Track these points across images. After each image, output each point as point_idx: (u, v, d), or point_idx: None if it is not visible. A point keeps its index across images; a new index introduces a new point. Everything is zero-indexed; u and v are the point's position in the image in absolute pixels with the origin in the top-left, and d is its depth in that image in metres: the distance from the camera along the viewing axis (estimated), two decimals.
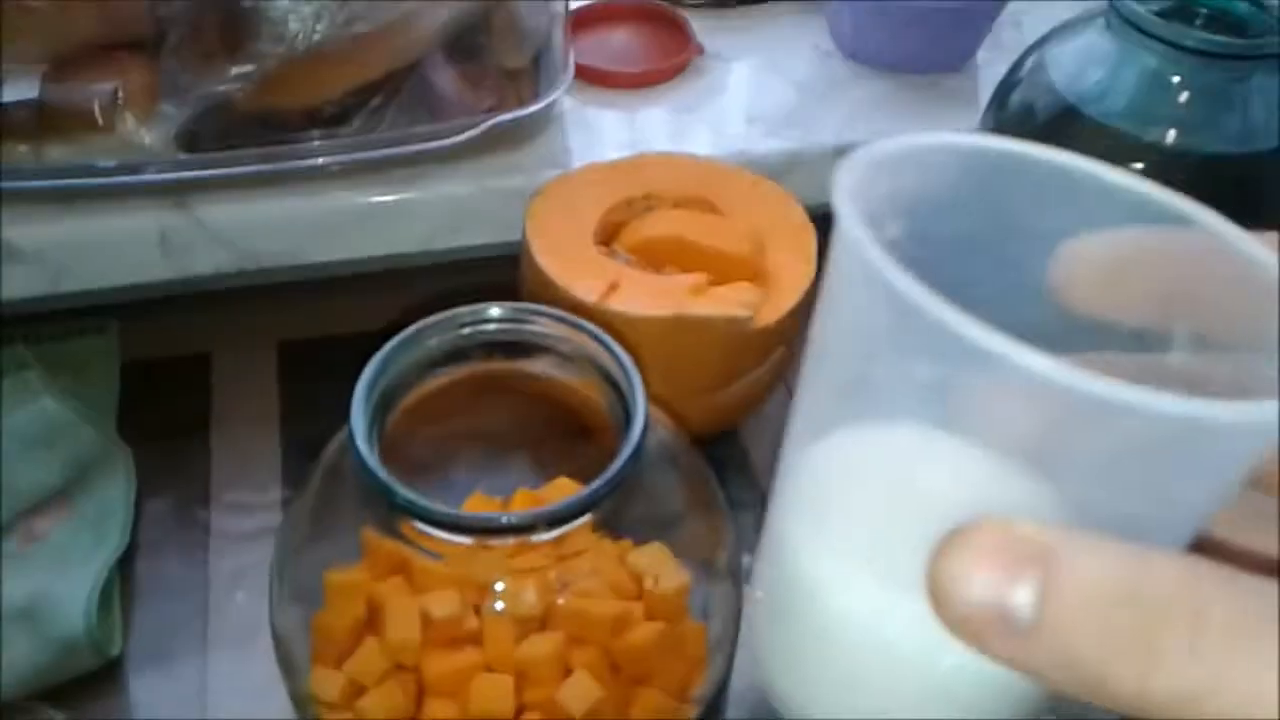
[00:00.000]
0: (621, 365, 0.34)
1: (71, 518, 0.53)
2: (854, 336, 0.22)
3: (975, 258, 0.23)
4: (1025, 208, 0.23)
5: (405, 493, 0.30)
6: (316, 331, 0.62)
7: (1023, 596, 0.17)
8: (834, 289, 0.22)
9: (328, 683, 0.37)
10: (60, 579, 0.50)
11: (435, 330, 0.33)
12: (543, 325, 0.35)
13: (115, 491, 0.54)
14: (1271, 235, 0.22)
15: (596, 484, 0.30)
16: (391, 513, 0.31)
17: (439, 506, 0.30)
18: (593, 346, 0.35)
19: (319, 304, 0.63)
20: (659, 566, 0.40)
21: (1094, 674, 0.17)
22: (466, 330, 0.34)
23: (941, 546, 0.18)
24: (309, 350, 0.62)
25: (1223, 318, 0.22)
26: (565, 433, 0.48)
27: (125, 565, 0.53)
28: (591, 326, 0.35)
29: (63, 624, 0.48)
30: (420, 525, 0.30)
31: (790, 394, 0.61)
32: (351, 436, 0.31)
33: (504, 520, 0.30)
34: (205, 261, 0.58)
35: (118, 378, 0.59)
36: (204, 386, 0.60)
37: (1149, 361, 0.22)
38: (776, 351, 0.53)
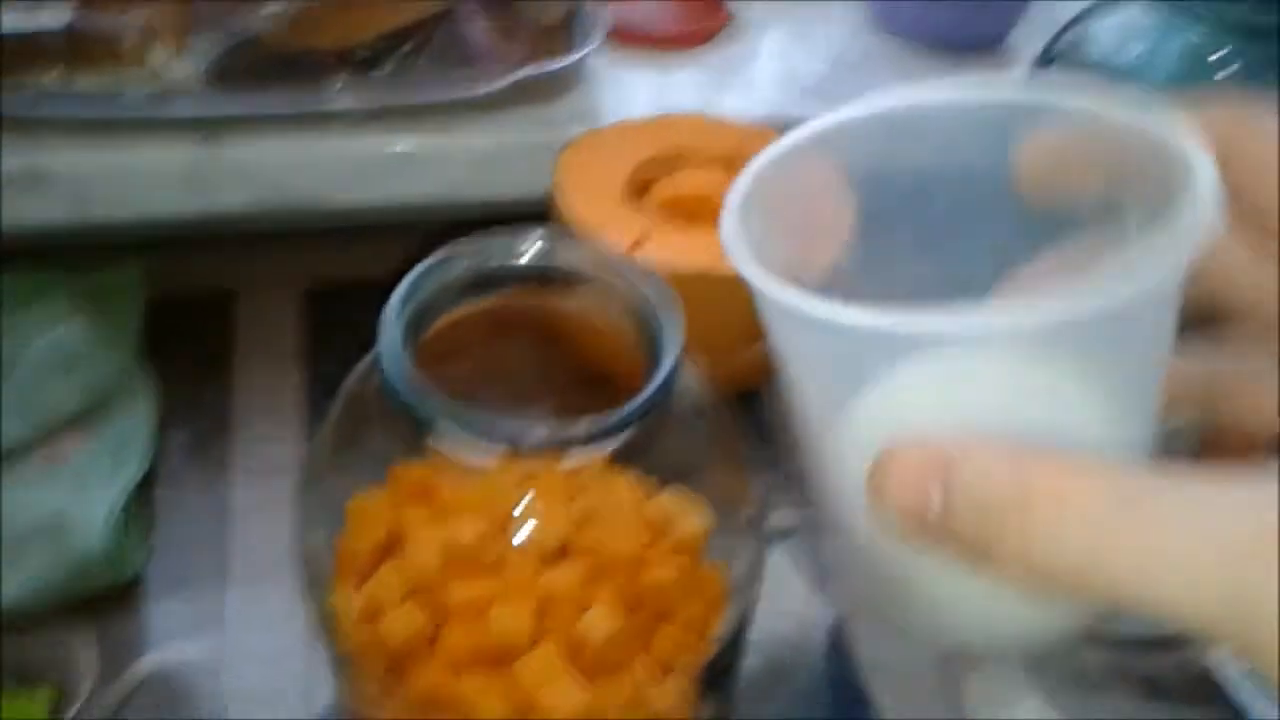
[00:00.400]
0: (659, 293, 0.34)
1: (91, 442, 0.54)
2: None
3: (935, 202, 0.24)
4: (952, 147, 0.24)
5: (434, 399, 0.30)
6: (341, 277, 0.63)
7: (934, 495, 0.21)
8: None
9: (349, 603, 0.37)
10: (79, 499, 0.51)
11: (471, 252, 0.34)
12: (578, 255, 0.35)
13: (136, 419, 0.55)
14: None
15: (630, 405, 0.30)
16: (419, 427, 0.31)
17: (469, 411, 0.30)
18: (627, 278, 0.35)
19: (344, 250, 0.63)
20: (681, 509, 0.41)
21: (988, 556, 0.20)
22: (500, 256, 0.34)
23: (874, 466, 0.22)
24: (332, 295, 0.62)
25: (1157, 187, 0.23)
26: (588, 381, 0.48)
27: (146, 493, 0.53)
28: (625, 261, 0.35)
29: (81, 542, 0.49)
30: (448, 435, 0.30)
31: None
32: (380, 351, 0.31)
33: (534, 433, 0.30)
34: (230, 198, 0.58)
35: (142, 310, 0.60)
36: (228, 324, 0.61)
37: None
38: None
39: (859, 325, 0.20)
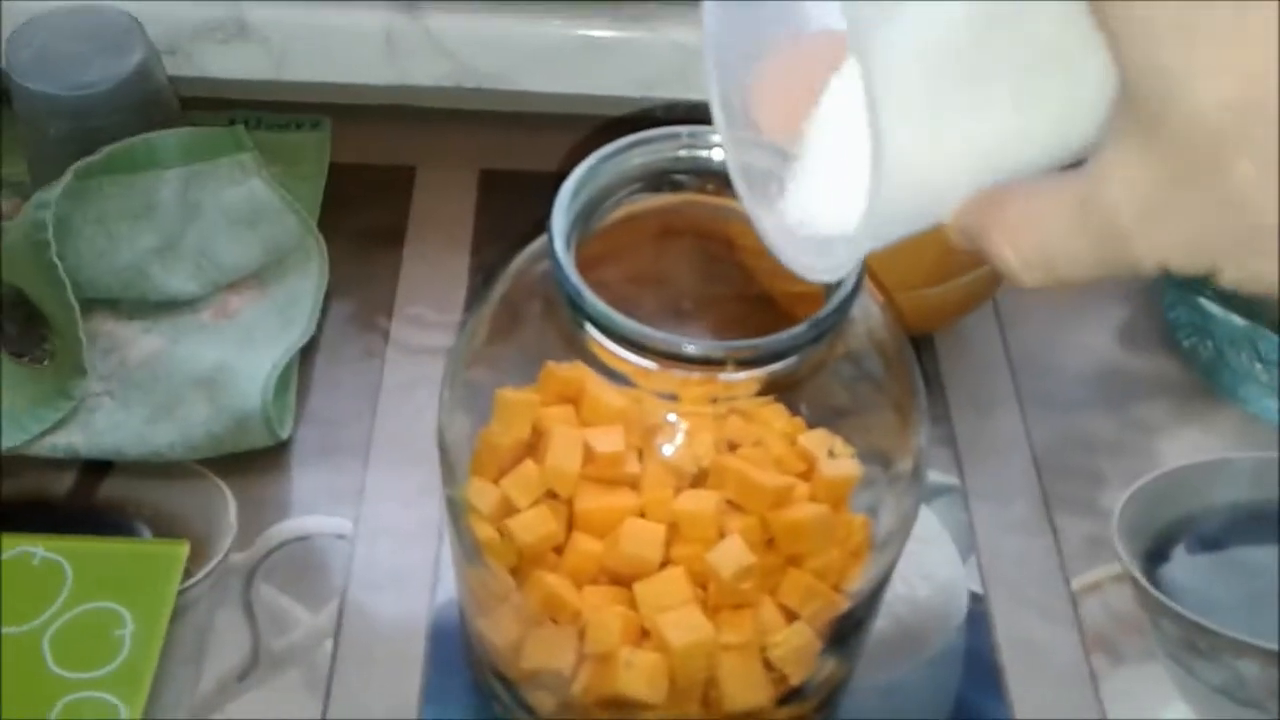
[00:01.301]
0: None
1: (263, 300, 0.55)
2: None
3: None
4: None
5: (595, 301, 0.28)
6: (519, 164, 0.62)
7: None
8: None
9: (484, 495, 0.36)
10: (244, 355, 0.52)
11: (651, 145, 0.31)
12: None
13: (307, 283, 0.55)
14: None
15: (799, 328, 0.28)
16: (575, 325, 0.30)
17: (626, 320, 0.28)
18: None
19: (526, 136, 0.62)
20: (832, 451, 0.38)
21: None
22: (684, 150, 0.32)
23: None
24: (509, 181, 0.61)
25: None
26: (752, 301, 0.46)
27: (305, 358, 0.54)
28: None
29: (241, 397, 0.49)
30: (603, 339, 0.29)
31: (998, 312, 0.57)
32: (551, 238, 0.29)
33: (690, 348, 0.28)
34: (424, 71, 0.58)
35: (325, 177, 0.60)
36: (404, 199, 0.60)
37: None
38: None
39: None
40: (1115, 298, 0.58)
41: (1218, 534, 0.50)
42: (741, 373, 0.29)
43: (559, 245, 0.29)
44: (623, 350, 0.29)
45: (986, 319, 0.56)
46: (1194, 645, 0.46)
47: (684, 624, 0.34)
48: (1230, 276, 0.21)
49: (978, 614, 0.47)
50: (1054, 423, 0.53)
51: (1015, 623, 0.47)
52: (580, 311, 0.29)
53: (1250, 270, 0.21)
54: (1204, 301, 0.55)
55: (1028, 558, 0.49)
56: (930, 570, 0.48)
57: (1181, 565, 0.49)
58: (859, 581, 0.36)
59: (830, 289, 0.31)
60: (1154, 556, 0.49)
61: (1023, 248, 0.23)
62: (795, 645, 0.35)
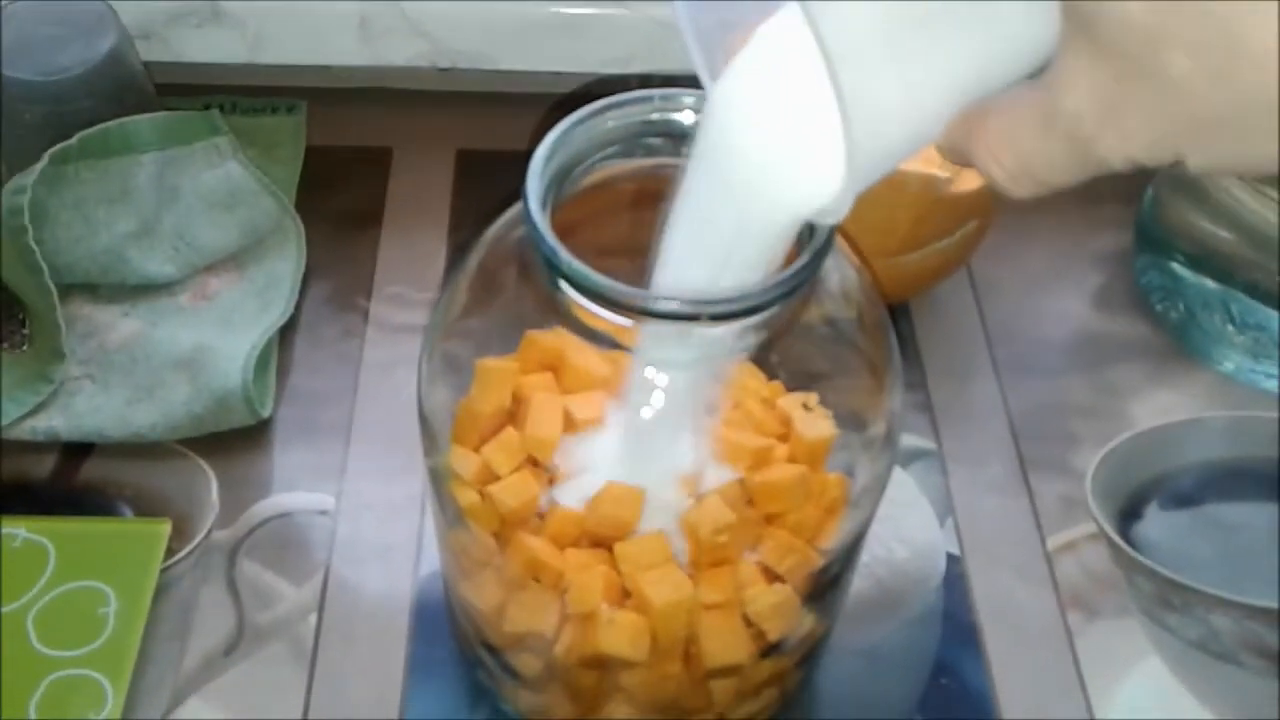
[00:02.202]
0: None
1: (241, 282, 0.55)
2: None
3: None
4: None
5: (570, 259, 0.29)
6: (496, 144, 0.62)
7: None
8: None
9: (466, 462, 0.37)
10: (224, 336, 0.52)
11: (625, 108, 0.32)
12: None
13: (285, 264, 0.55)
14: None
15: (771, 281, 0.29)
16: (552, 286, 0.30)
17: (601, 277, 0.28)
18: None
19: (503, 117, 0.62)
20: (809, 413, 0.39)
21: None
22: (658, 112, 0.32)
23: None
24: (486, 161, 0.62)
25: None
26: None
27: (285, 338, 0.54)
28: None
29: (221, 377, 0.50)
30: (579, 298, 0.29)
31: (972, 279, 0.58)
32: (526, 199, 0.30)
33: (665, 303, 0.28)
34: (400, 51, 0.58)
35: (302, 158, 0.60)
36: (381, 180, 0.61)
37: None
38: (969, 224, 0.50)
39: None
40: (1088, 263, 0.59)
41: (1190, 492, 0.51)
42: (716, 327, 0.29)
43: (534, 207, 0.29)
44: (598, 307, 0.29)
45: (961, 286, 0.57)
46: (1168, 601, 0.47)
47: (664, 582, 0.34)
48: (1195, 163, 0.22)
49: (955, 575, 0.48)
50: (1029, 387, 0.54)
51: (992, 583, 0.48)
52: (556, 270, 0.29)
53: (1210, 156, 0.22)
54: (1175, 266, 0.56)
55: (1004, 519, 0.50)
56: (908, 533, 0.48)
57: (1154, 523, 0.50)
58: (835, 539, 0.37)
59: (802, 245, 0.31)
60: (1128, 515, 0.50)
61: (1005, 162, 0.24)
62: (773, 601, 0.35)
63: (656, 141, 0.33)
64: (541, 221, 0.29)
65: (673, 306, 0.28)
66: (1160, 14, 0.20)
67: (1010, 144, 0.24)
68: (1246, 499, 0.51)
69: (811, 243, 0.29)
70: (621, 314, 0.29)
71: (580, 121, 0.31)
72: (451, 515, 0.37)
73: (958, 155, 0.26)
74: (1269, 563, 0.48)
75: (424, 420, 0.38)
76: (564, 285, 0.30)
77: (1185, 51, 0.21)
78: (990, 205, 0.50)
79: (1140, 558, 0.48)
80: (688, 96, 0.32)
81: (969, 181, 0.47)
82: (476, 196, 0.60)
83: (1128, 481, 0.51)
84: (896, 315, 0.56)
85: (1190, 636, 0.47)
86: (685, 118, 0.32)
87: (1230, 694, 0.45)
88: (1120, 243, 0.59)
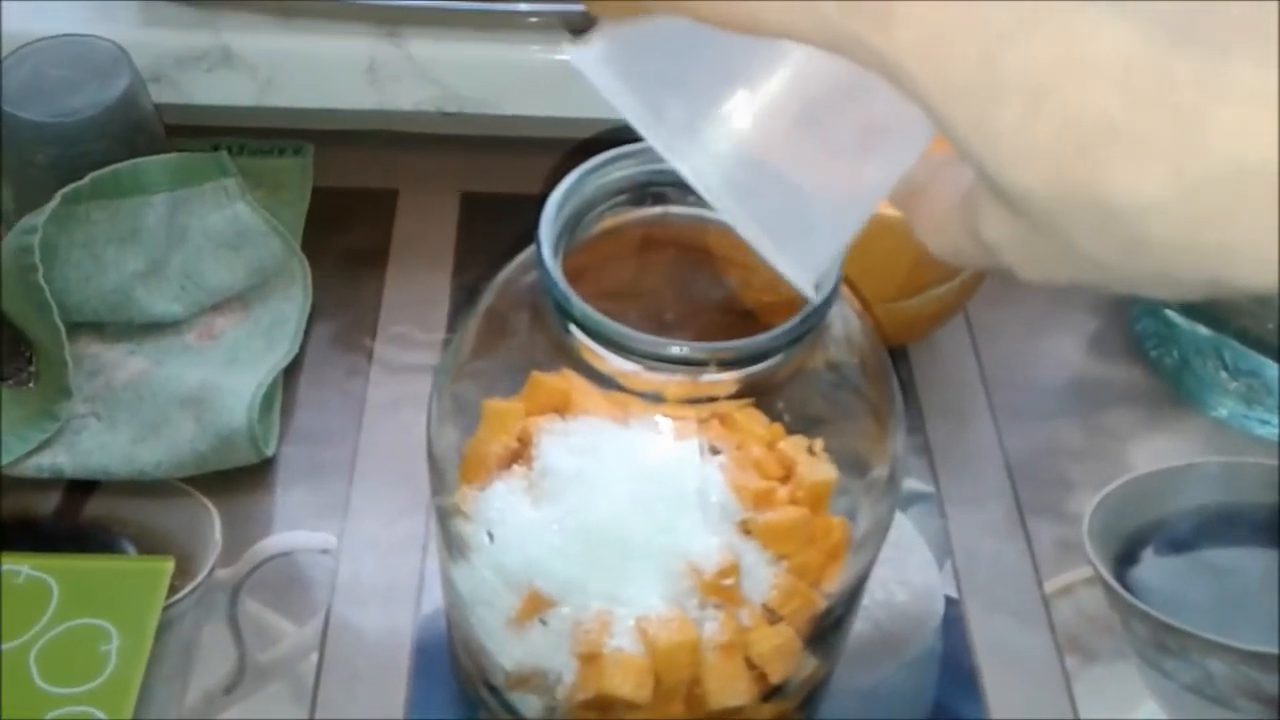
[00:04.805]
0: None
1: (247, 321, 0.55)
2: None
3: None
4: None
5: (581, 305, 0.29)
6: (500, 187, 0.63)
7: None
8: None
9: (473, 501, 0.37)
10: (229, 375, 0.52)
11: (635, 157, 0.33)
12: None
13: (291, 304, 0.56)
14: None
15: (778, 330, 0.29)
16: (563, 330, 0.31)
17: (611, 323, 0.29)
18: None
19: (507, 160, 0.63)
20: (811, 456, 0.39)
21: None
22: (665, 164, 0.33)
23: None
24: (491, 204, 0.62)
25: None
26: (733, 313, 0.47)
27: (289, 378, 0.54)
28: None
29: (226, 415, 0.50)
30: (590, 343, 0.30)
31: (969, 324, 0.59)
32: (539, 245, 0.30)
33: (675, 349, 0.29)
34: (407, 96, 0.59)
35: (309, 199, 0.61)
36: (387, 221, 0.61)
37: None
38: (967, 270, 0.51)
39: None
40: (1084, 310, 0.60)
41: (1185, 536, 0.51)
42: (723, 374, 0.30)
43: (547, 254, 0.30)
44: (608, 353, 0.30)
45: (958, 331, 0.58)
46: (1164, 645, 0.48)
47: (669, 624, 0.34)
48: (1120, 292, 0.22)
49: (953, 617, 0.48)
50: (1026, 431, 0.54)
51: (990, 625, 0.48)
52: (567, 316, 0.30)
53: (1134, 290, 0.21)
54: (1169, 312, 0.56)
55: (1002, 562, 0.50)
56: (907, 575, 0.49)
57: (1150, 567, 0.50)
58: (837, 582, 0.37)
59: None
60: (1124, 559, 0.50)
61: (940, 246, 0.24)
62: (776, 644, 0.36)
63: (666, 190, 0.33)
64: (554, 267, 0.30)
65: (682, 353, 0.29)
66: (1061, 200, 0.19)
67: (941, 233, 0.24)
68: (1242, 544, 0.51)
69: (817, 294, 0.30)
70: (631, 359, 0.30)
71: (593, 170, 0.32)
72: (457, 554, 0.38)
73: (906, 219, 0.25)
74: (1264, 608, 0.48)
75: (433, 460, 0.38)
76: (574, 330, 0.30)
77: (1090, 234, 0.20)
78: None
79: (1136, 602, 0.49)
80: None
81: None
82: (481, 238, 0.61)
83: (1124, 526, 0.51)
84: (895, 359, 0.56)
85: (1186, 681, 0.47)
86: None
87: None
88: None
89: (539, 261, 0.30)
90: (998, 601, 0.49)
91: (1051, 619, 0.48)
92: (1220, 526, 0.52)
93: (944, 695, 0.46)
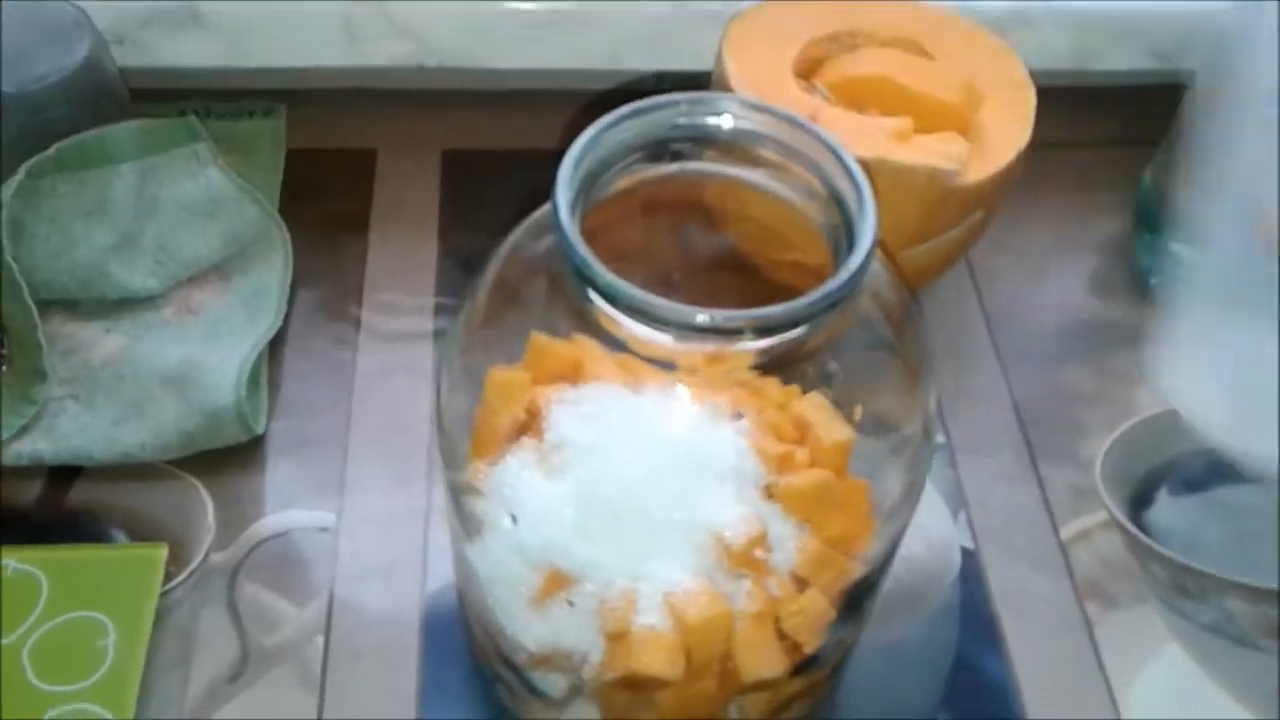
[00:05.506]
0: (853, 179, 0.31)
1: (227, 293, 0.53)
2: None
3: None
4: None
5: (603, 271, 0.28)
6: (482, 144, 0.60)
7: None
8: None
9: (480, 476, 0.36)
10: (212, 351, 0.50)
11: (653, 113, 0.31)
12: (769, 124, 0.32)
13: (272, 273, 0.54)
14: None
15: (811, 298, 0.28)
16: (582, 298, 0.29)
17: (641, 292, 0.27)
18: (822, 155, 0.31)
19: (487, 116, 0.61)
20: (823, 416, 0.38)
21: None
22: (687, 117, 0.31)
23: None
24: (472, 161, 0.60)
25: None
26: (739, 267, 0.46)
27: (275, 350, 0.52)
28: (825, 133, 0.32)
29: (212, 394, 0.48)
30: (612, 311, 0.28)
31: (972, 267, 0.57)
32: (555, 208, 0.29)
33: (706, 318, 0.27)
34: (384, 52, 0.56)
35: (283, 163, 0.58)
36: (366, 183, 0.59)
37: None
38: (975, 214, 0.49)
39: None
40: (1086, 249, 0.59)
41: (1199, 476, 0.51)
42: (757, 342, 0.28)
43: (564, 217, 0.28)
44: (634, 322, 0.28)
45: (961, 277, 0.57)
46: (1183, 586, 0.47)
47: (699, 598, 0.33)
48: None
49: (970, 569, 0.47)
50: (1033, 376, 0.53)
51: (1008, 575, 0.47)
52: (588, 282, 0.28)
53: None
54: (1175, 246, 0.55)
55: (1016, 510, 0.49)
56: (925, 528, 0.48)
57: (1166, 509, 0.49)
58: (872, 546, 0.36)
59: (841, 255, 0.30)
60: (1139, 502, 0.50)
61: None
62: (810, 614, 0.34)
63: (683, 146, 0.32)
64: (572, 231, 0.28)
65: (714, 321, 0.27)
66: None
67: None
68: (1255, 481, 0.51)
69: (854, 253, 0.29)
70: (657, 328, 0.28)
71: (609, 127, 0.30)
72: (472, 532, 0.36)
73: None
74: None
75: (443, 433, 0.37)
76: (595, 298, 0.29)
77: None
78: (996, 195, 0.49)
79: (1153, 544, 0.48)
80: (719, 100, 0.31)
81: (977, 172, 0.47)
82: (465, 197, 0.59)
83: (1136, 468, 0.51)
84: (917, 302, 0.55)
85: (1206, 621, 0.46)
86: (712, 121, 0.31)
87: (1250, 678, 0.45)
88: (1114, 229, 0.59)
89: (555, 226, 0.28)
90: (1014, 550, 0.48)
91: (1070, 565, 0.48)
92: (1233, 465, 0.51)
93: (965, 648, 0.46)
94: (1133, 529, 0.48)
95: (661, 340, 0.28)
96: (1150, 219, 0.57)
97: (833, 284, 0.28)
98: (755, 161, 0.33)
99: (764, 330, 0.28)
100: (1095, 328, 0.56)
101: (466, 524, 0.36)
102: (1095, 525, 0.49)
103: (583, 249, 0.28)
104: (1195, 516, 0.49)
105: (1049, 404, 0.53)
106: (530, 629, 0.36)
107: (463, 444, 0.36)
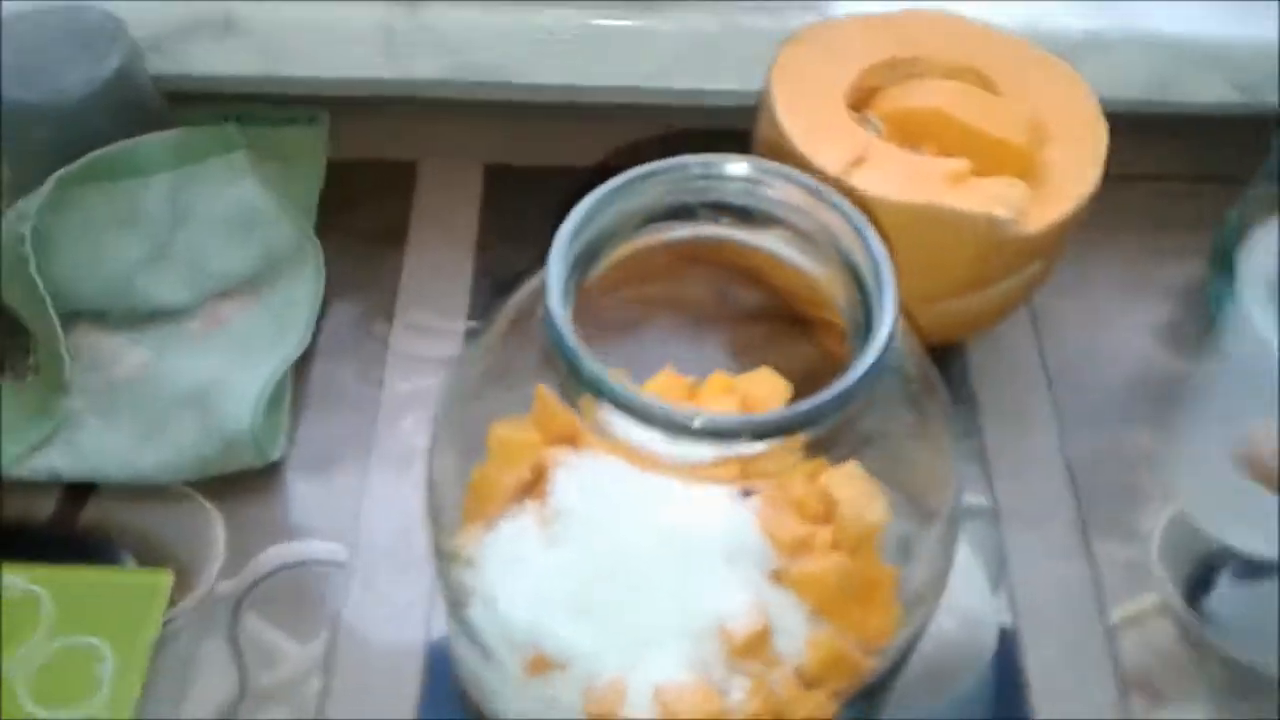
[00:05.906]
0: (873, 257, 0.28)
1: (256, 307, 0.52)
2: None
3: None
4: None
5: (592, 366, 0.25)
6: (524, 159, 0.58)
7: None
8: None
9: (475, 545, 0.34)
10: (237, 368, 0.49)
11: (660, 178, 0.28)
12: (785, 192, 0.30)
13: (303, 289, 0.52)
14: None
15: (825, 397, 0.25)
16: (572, 384, 0.27)
17: (627, 389, 0.25)
18: (840, 228, 0.29)
19: (530, 130, 0.59)
20: (855, 492, 0.35)
21: None
22: (697, 184, 0.28)
23: None
24: (514, 176, 0.58)
25: None
26: (776, 317, 0.43)
27: (300, 370, 0.51)
28: (846, 205, 0.29)
29: (230, 418, 0.47)
30: (602, 404, 0.26)
31: (1034, 317, 0.54)
32: (546, 290, 0.26)
33: (700, 422, 0.25)
34: (424, 65, 0.54)
35: (323, 174, 0.57)
36: (405, 196, 0.57)
37: None
38: (1034, 264, 0.46)
39: None
40: (1157, 296, 0.55)
41: (1268, 561, 0.47)
42: (758, 445, 0.26)
43: (555, 302, 0.26)
44: (625, 419, 0.26)
45: (1021, 324, 0.53)
46: (1241, 687, 0.43)
47: (690, 694, 0.31)
48: None
49: (1006, 650, 0.44)
50: (1092, 436, 0.50)
51: (1048, 660, 0.44)
52: (579, 378, 0.26)
53: None
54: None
55: (1062, 586, 0.46)
56: (957, 601, 0.45)
57: (1228, 594, 0.46)
58: (888, 640, 0.34)
59: (858, 333, 0.28)
60: (1198, 584, 0.46)
61: None
62: (812, 713, 0.32)
63: (696, 209, 0.29)
64: (563, 321, 0.26)
65: (716, 424, 0.25)
66: None
67: None
68: None
69: (869, 346, 0.26)
70: (650, 427, 0.26)
71: (605, 199, 0.28)
72: (458, 601, 0.34)
73: None
74: None
75: (433, 492, 0.35)
76: (585, 388, 0.27)
77: None
78: (1058, 244, 0.46)
79: (1211, 636, 0.44)
80: (733, 163, 0.28)
81: (1037, 220, 0.43)
82: (506, 213, 0.57)
83: (1198, 545, 0.47)
84: (951, 355, 0.52)
85: None
86: (728, 185, 0.29)
87: None
88: (1191, 273, 0.55)
89: (546, 313, 0.26)
90: (1057, 632, 0.45)
91: (1116, 653, 0.44)
92: None
93: None
94: (1189, 616, 0.45)
95: (654, 445, 0.26)
96: (1231, 263, 0.53)
97: (841, 384, 0.25)
98: (772, 225, 0.30)
99: (766, 434, 0.25)
100: (1163, 383, 0.52)
101: (453, 594, 0.34)
102: (1148, 609, 0.45)
103: (574, 342, 0.26)
104: (1260, 607, 0.46)
105: (1107, 467, 0.49)
106: (515, 703, 0.34)
107: (453, 506, 0.34)
